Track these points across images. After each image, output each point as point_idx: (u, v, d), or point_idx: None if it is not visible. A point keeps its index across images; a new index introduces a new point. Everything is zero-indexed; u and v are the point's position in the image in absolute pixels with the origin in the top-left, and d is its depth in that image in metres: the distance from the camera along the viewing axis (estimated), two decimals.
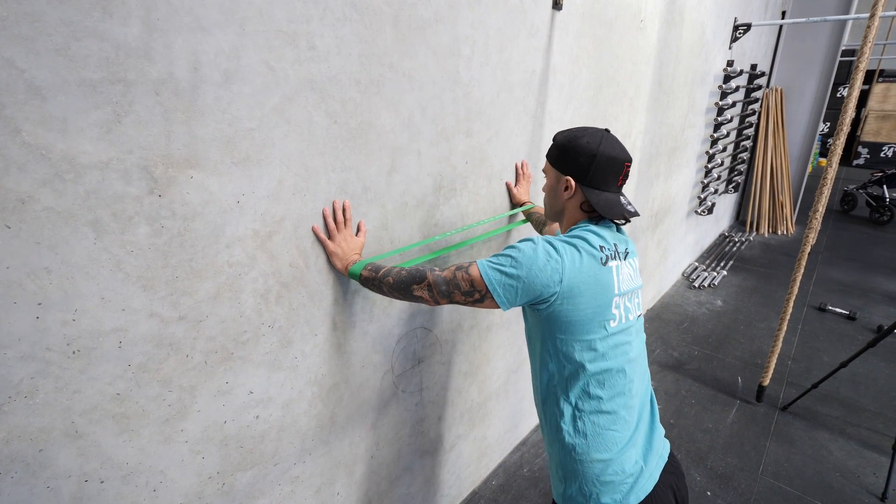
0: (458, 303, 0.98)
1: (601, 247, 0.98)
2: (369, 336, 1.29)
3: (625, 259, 1.04)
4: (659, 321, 3.45)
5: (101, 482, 0.83)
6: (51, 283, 0.70)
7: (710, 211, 4.16)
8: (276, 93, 0.91)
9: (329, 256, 1.10)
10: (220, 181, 0.86)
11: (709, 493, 2.02)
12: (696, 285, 4.01)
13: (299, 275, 1.06)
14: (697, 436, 2.35)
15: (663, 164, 3.08)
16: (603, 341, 0.97)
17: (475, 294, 0.95)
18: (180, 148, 0.79)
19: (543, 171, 1.13)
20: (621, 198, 1.04)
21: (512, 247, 0.96)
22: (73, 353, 0.75)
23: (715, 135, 3.81)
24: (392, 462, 1.52)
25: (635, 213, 1.03)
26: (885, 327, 2.40)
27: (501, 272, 0.93)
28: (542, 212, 1.54)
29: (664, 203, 3.32)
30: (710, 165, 3.95)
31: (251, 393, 1.02)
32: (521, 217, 1.70)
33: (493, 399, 1.97)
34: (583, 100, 1.93)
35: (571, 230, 1.04)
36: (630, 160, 1.03)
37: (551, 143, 1.09)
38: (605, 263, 0.97)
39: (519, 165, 1.66)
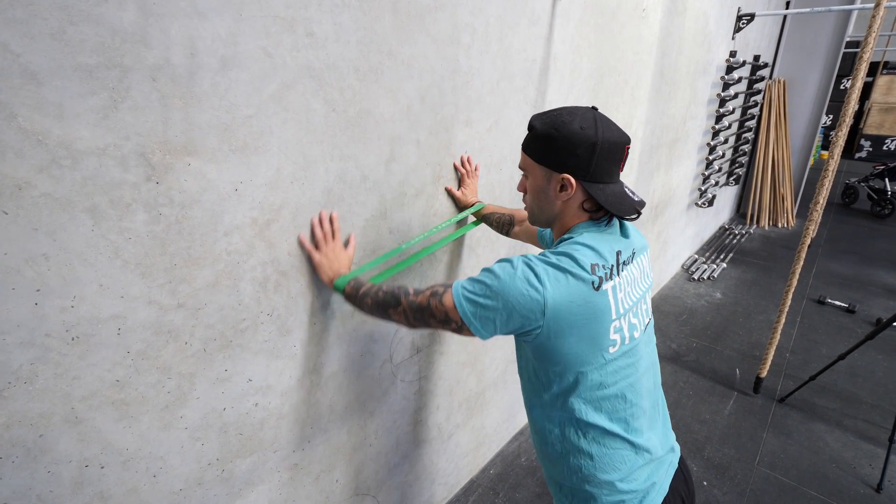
0: (436, 329, 0.90)
1: (593, 266, 0.82)
2: (368, 325, 1.29)
3: (630, 264, 0.91)
4: (658, 313, 3.45)
5: (102, 467, 0.83)
6: (49, 269, 0.70)
7: (710, 203, 4.16)
8: (274, 80, 0.90)
9: (315, 268, 1.06)
10: (217, 168, 0.86)
11: (705, 483, 2.04)
12: (696, 278, 4.02)
13: (298, 263, 1.06)
14: (695, 427, 2.37)
15: (664, 155, 3.07)
16: (601, 370, 0.86)
17: (451, 324, 0.85)
18: (178, 135, 0.79)
19: (521, 168, 0.96)
20: (625, 188, 0.91)
21: (488, 270, 0.83)
22: (73, 339, 0.75)
23: (716, 126, 3.79)
24: (391, 450, 1.53)
25: (642, 203, 0.90)
26: (884, 320, 2.40)
27: (475, 303, 0.82)
28: (502, 210, 1.38)
29: (664, 195, 3.31)
30: (711, 157, 3.94)
31: (250, 381, 1.03)
32: (471, 220, 1.47)
33: (490, 389, 1.98)
34: (584, 89, 1.92)
35: (561, 242, 0.90)
36: (629, 141, 0.89)
37: (528, 132, 0.91)
38: (598, 288, 0.81)
39: (461, 163, 1.42)
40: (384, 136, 1.16)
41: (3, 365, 0.69)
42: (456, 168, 1.41)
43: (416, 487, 1.71)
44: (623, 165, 0.90)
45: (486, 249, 1.67)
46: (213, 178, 0.85)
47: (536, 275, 0.79)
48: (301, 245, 1.04)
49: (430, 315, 0.87)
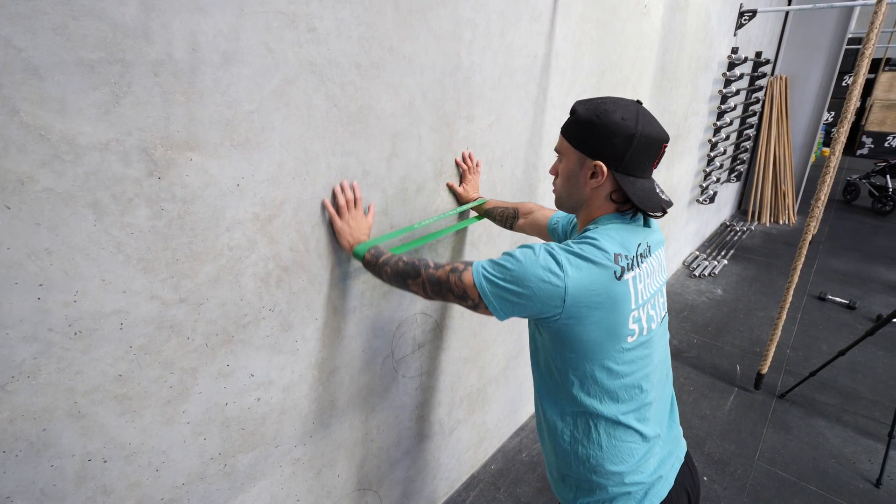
0: (453, 302, 0.92)
1: (616, 256, 0.83)
2: (369, 321, 1.29)
3: (649, 256, 0.92)
4: None
5: (105, 461, 0.84)
6: (51, 264, 0.70)
7: (711, 200, 4.15)
8: (276, 75, 0.90)
9: (336, 234, 1.09)
10: (219, 164, 0.86)
11: (705, 479, 2.04)
12: (697, 274, 4.02)
13: (300, 259, 1.06)
14: (695, 422, 2.37)
15: (666, 151, 3.06)
16: (618, 359, 0.86)
17: (468, 300, 0.87)
18: (179, 130, 0.79)
19: (557, 150, 0.96)
20: (655, 185, 0.91)
21: (509, 255, 0.84)
22: (75, 334, 0.75)
23: (718, 123, 3.78)
24: (392, 445, 1.53)
25: (670, 203, 0.90)
26: (885, 316, 2.40)
27: (495, 284, 0.83)
28: (505, 205, 1.38)
29: (666, 191, 3.28)
30: (712, 154, 3.93)
31: (252, 376, 1.03)
32: (473, 214, 1.48)
33: (492, 384, 1.99)
34: (585, 86, 1.91)
35: (586, 231, 0.90)
36: (668, 139, 0.88)
37: (570, 116, 0.91)
38: (619, 277, 0.82)
39: (462, 159, 1.41)
40: (386, 132, 1.16)
41: (7, 359, 0.69)
42: (457, 164, 1.41)
43: (417, 482, 1.72)
44: (657, 163, 0.90)
45: (486, 245, 1.67)
46: (214, 174, 0.85)
47: (558, 262, 0.80)
48: (325, 208, 1.06)
49: (448, 290, 0.89)
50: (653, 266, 0.93)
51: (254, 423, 1.07)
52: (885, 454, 2.04)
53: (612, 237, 0.86)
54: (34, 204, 0.67)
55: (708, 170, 3.98)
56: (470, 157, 1.44)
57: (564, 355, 0.88)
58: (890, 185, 5.74)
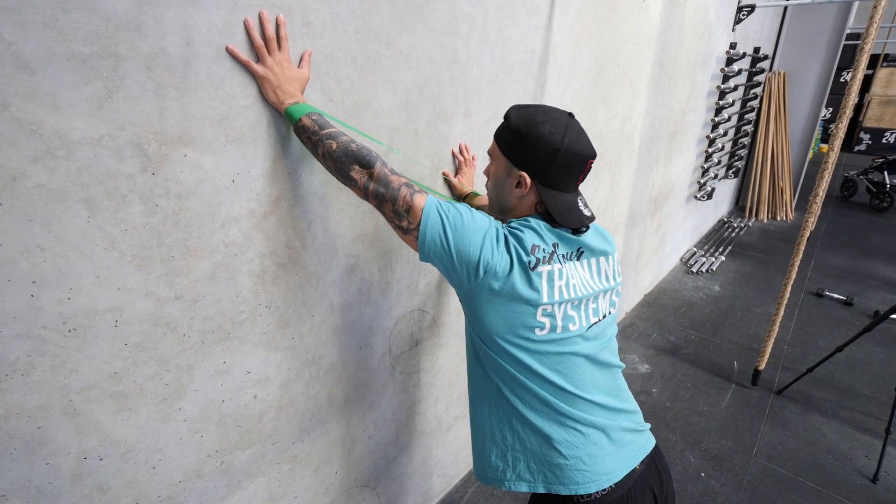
0: (383, 215, 0.87)
1: (534, 247, 0.85)
2: (366, 317, 1.29)
3: (576, 260, 0.92)
4: (656, 306, 3.46)
5: (101, 459, 0.83)
6: (45, 261, 0.70)
7: (709, 196, 4.15)
8: None
9: (259, 84, 0.87)
10: (214, 160, 0.85)
11: (702, 475, 2.05)
12: (694, 270, 4.02)
13: (296, 255, 1.05)
14: (692, 419, 2.38)
15: (663, 148, 3.06)
16: (527, 351, 0.88)
17: (404, 221, 0.85)
18: (173, 125, 0.78)
19: (489, 153, 0.97)
20: (579, 199, 0.93)
21: (467, 206, 0.87)
22: (70, 331, 0.75)
23: (716, 119, 3.78)
24: (390, 442, 1.53)
25: (591, 218, 0.92)
26: (882, 313, 2.41)
27: (441, 220, 0.83)
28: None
29: (664, 188, 3.31)
30: (710, 150, 3.93)
31: (249, 373, 1.03)
32: None
33: None
34: (583, 81, 1.90)
35: (512, 221, 0.93)
36: (595, 156, 0.91)
37: (503, 120, 0.93)
38: (533, 268, 0.84)
39: (458, 150, 1.41)
40: (382, 128, 1.15)
41: (0, 357, 0.69)
42: (454, 155, 1.41)
43: (415, 479, 1.72)
44: (583, 178, 0.92)
45: None
46: (209, 170, 0.85)
47: (498, 239, 0.85)
48: (232, 56, 0.82)
49: (392, 199, 0.85)
50: (584, 271, 0.94)
51: (250, 420, 1.06)
52: (882, 450, 2.05)
53: (535, 230, 0.88)
54: (26, 200, 0.66)
55: (706, 166, 3.98)
56: (466, 149, 1.43)
57: (479, 334, 0.91)
58: (887, 182, 5.75)
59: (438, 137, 1.32)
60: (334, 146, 0.85)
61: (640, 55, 2.32)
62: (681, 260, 4.27)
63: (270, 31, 0.85)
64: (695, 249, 4.45)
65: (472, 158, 1.46)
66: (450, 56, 1.26)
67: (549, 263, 0.87)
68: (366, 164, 0.86)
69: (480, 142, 1.48)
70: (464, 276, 0.85)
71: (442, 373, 1.68)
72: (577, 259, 0.93)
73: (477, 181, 1.52)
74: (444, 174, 1.39)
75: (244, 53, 0.84)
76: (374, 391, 1.40)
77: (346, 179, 0.88)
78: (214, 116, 0.83)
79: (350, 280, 1.21)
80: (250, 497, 1.12)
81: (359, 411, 1.36)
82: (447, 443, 1.83)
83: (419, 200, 0.85)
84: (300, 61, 0.92)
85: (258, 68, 0.85)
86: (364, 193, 0.88)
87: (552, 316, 0.88)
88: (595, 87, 2.00)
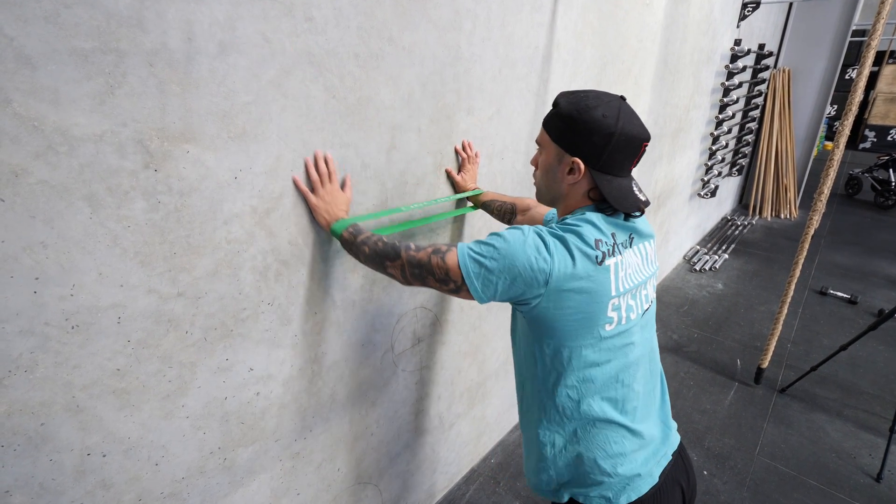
0: (431, 287, 0.89)
1: (597, 242, 0.83)
2: (369, 315, 1.29)
3: (630, 247, 0.90)
4: (659, 304, 3.45)
5: (104, 456, 0.83)
6: (47, 257, 0.70)
7: (713, 194, 4.13)
8: (273, 66, 0.89)
9: (312, 211, 1.03)
10: (216, 156, 0.85)
11: (705, 473, 2.05)
12: (698, 268, 4.01)
13: (298, 253, 1.05)
14: (695, 417, 2.37)
15: (667, 145, 3.04)
16: (594, 347, 0.86)
17: (450, 283, 0.85)
18: (175, 121, 0.78)
19: (538, 142, 0.95)
20: (633, 184, 0.90)
21: (497, 234, 0.83)
22: (72, 328, 0.75)
23: (720, 116, 3.76)
24: (392, 439, 1.53)
25: (647, 203, 0.90)
26: (886, 311, 2.40)
27: (480, 264, 0.82)
28: (503, 199, 1.34)
29: (667, 185, 3.29)
30: (714, 147, 3.91)
31: (251, 370, 1.03)
32: (469, 204, 1.45)
33: (492, 378, 1.98)
34: (587, 77, 1.89)
35: (566, 218, 0.90)
36: (649, 138, 0.88)
37: (552, 108, 0.90)
38: (601, 262, 0.82)
39: (462, 147, 1.40)
40: (385, 124, 1.14)
41: (3, 353, 0.69)
42: (457, 152, 1.40)
43: (417, 476, 1.72)
44: (637, 161, 0.89)
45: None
46: (212, 166, 0.84)
47: (545, 244, 0.80)
48: (296, 186, 0.99)
49: (429, 272, 0.86)
50: (636, 257, 0.92)
51: (253, 417, 1.06)
52: (886, 449, 2.04)
53: (593, 224, 0.85)
54: (29, 196, 0.66)
55: (709, 163, 3.96)
56: (469, 146, 1.42)
57: (542, 341, 0.88)
58: (892, 179, 5.71)
59: (441, 134, 1.31)
60: (367, 251, 0.93)
61: (644, 52, 2.31)
62: (684, 258, 4.26)
63: (323, 168, 1.02)
64: (698, 247, 4.43)
65: (476, 155, 1.45)
66: (453, 52, 1.25)
67: (613, 255, 0.85)
68: (392, 256, 0.90)
69: (484, 139, 1.47)
70: (532, 293, 0.81)
71: (444, 370, 1.68)
72: (630, 246, 0.91)
73: (483, 180, 1.51)
74: (446, 171, 1.38)
75: (303, 183, 1.00)
76: (376, 388, 1.39)
77: (388, 275, 0.94)
78: (217, 112, 0.83)
79: (352, 277, 1.20)
80: (253, 494, 1.12)
81: (361, 408, 1.36)
82: (450, 440, 1.83)
83: (451, 259, 0.84)
84: (343, 185, 1.08)
85: (312, 198, 1.01)
86: (406, 281, 0.91)
87: (618, 309, 0.86)
88: (599, 83, 1.99)
